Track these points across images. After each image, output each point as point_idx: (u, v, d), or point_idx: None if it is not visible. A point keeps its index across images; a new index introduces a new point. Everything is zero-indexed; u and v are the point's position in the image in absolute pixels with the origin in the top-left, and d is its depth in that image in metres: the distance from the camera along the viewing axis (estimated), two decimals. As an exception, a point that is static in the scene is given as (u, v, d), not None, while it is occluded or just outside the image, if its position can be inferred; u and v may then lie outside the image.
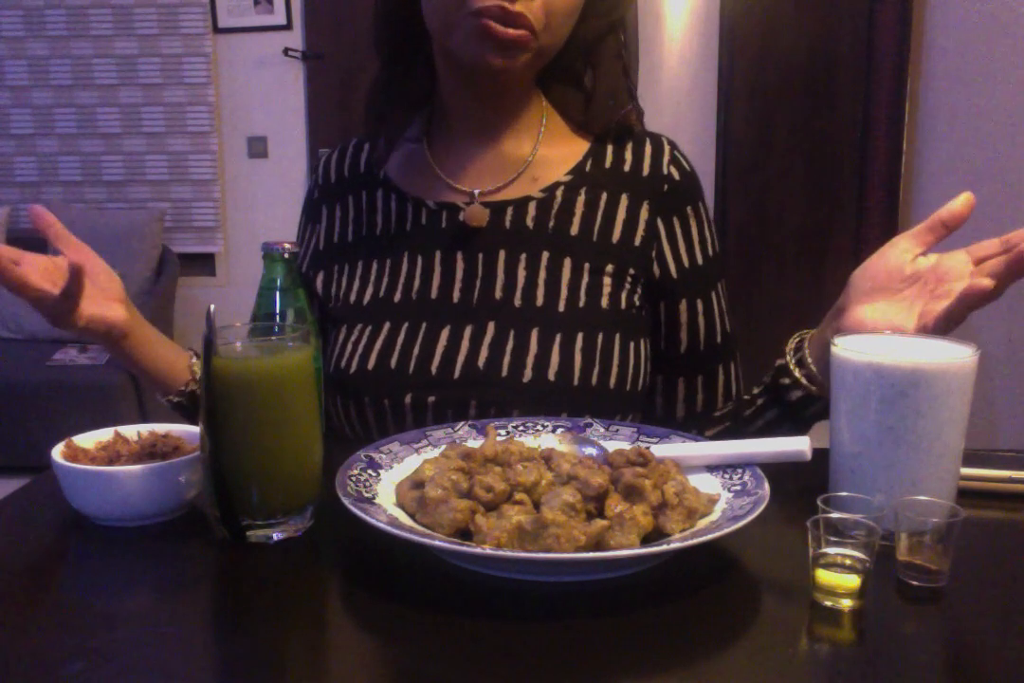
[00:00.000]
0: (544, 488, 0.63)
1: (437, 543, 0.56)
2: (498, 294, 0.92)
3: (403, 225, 0.98)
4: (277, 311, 0.81)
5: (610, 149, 0.98)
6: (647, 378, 0.95)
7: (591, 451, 0.74)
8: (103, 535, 0.68)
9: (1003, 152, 2.46)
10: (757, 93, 3.38)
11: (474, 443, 0.74)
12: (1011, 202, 2.36)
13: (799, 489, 0.67)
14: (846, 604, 0.54)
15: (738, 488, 0.66)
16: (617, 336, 0.91)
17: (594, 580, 0.58)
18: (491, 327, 0.90)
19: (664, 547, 0.56)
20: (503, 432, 0.78)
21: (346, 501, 0.61)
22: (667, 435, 0.76)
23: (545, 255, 0.93)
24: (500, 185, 0.96)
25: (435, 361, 0.90)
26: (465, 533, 0.60)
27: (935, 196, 2.92)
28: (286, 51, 3.64)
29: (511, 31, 0.83)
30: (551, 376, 0.87)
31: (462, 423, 0.79)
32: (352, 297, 0.97)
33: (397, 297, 0.94)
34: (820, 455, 0.69)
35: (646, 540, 0.60)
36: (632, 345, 0.92)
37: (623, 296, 0.93)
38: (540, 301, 0.91)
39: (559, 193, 0.95)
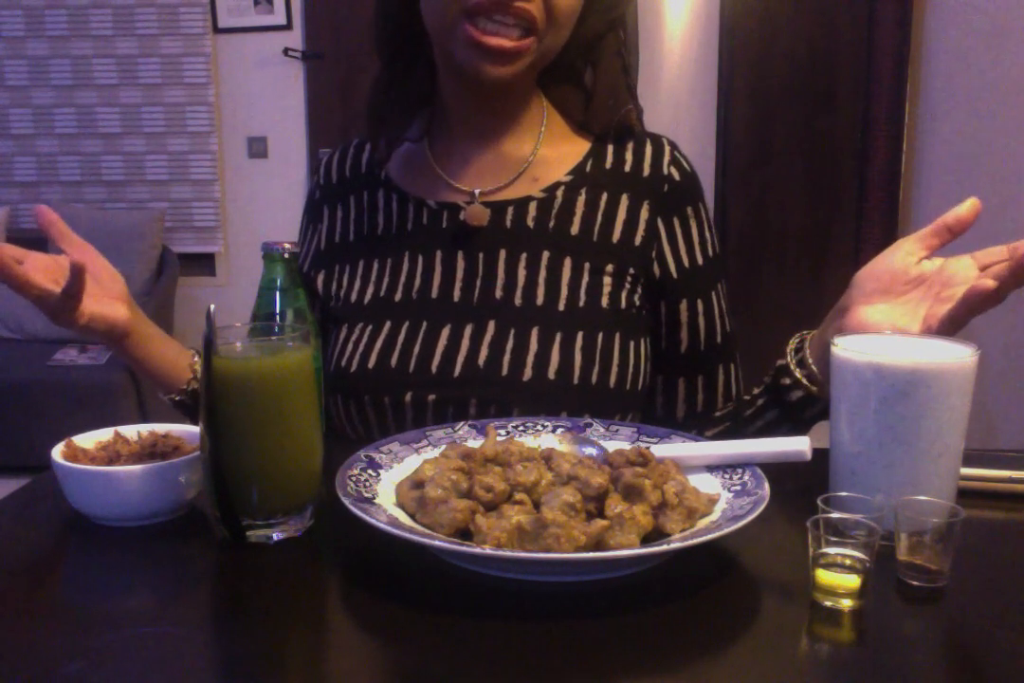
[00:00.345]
0: (544, 488, 0.63)
1: (437, 543, 0.56)
2: (498, 293, 0.92)
3: (404, 225, 0.98)
4: (277, 311, 0.80)
5: (610, 149, 0.98)
6: (647, 378, 0.95)
7: (591, 451, 0.74)
8: (103, 535, 0.68)
9: (1003, 152, 2.46)
10: (757, 93, 3.38)
11: (474, 443, 0.74)
12: (1011, 202, 2.36)
13: (799, 489, 0.67)
14: (846, 604, 0.54)
15: (738, 488, 0.66)
16: (617, 335, 0.91)
17: (594, 580, 0.58)
18: (491, 326, 0.90)
19: (664, 547, 0.56)
20: (503, 432, 0.78)
21: (346, 501, 0.61)
22: (667, 435, 0.76)
23: (545, 255, 0.93)
24: (501, 185, 0.96)
25: (435, 360, 0.90)
26: (465, 533, 0.60)
27: (935, 196, 2.92)
28: (286, 51, 3.64)
29: (502, 40, 0.83)
30: (551, 375, 0.87)
31: (462, 423, 0.79)
32: (353, 296, 0.97)
33: (398, 296, 0.95)
34: (820, 455, 0.69)
35: (646, 540, 0.60)
36: (632, 345, 0.92)
37: (623, 296, 0.93)
38: (540, 300, 0.91)
39: (560, 193, 0.95)
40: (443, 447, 0.73)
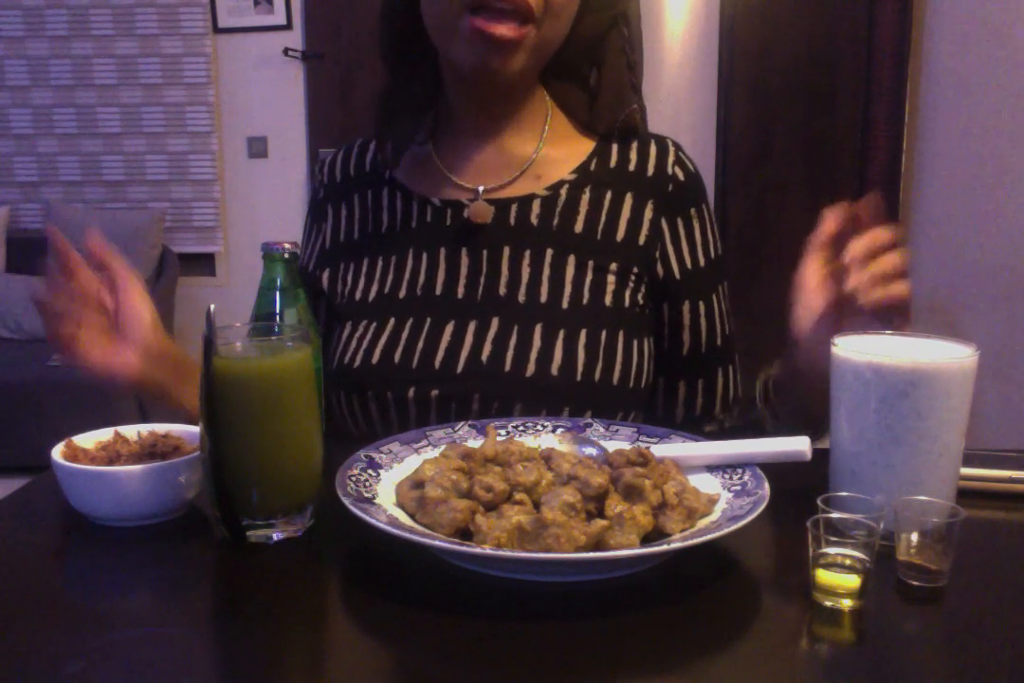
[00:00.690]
0: (544, 488, 0.63)
1: (437, 543, 0.56)
2: (502, 290, 0.92)
3: (408, 222, 0.98)
4: (277, 311, 0.80)
5: (615, 148, 0.98)
6: (650, 377, 0.95)
7: (591, 451, 0.74)
8: (103, 535, 0.68)
9: (1003, 152, 2.46)
10: (757, 93, 3.38)
11: (474, 443, 0.74)
12: (1011, 202, 2.36)
13: (799, 489, 0.67)
14: (846, 604, 0.54)
15: (738, 488, 0.66)
16: (620, 334, 0.91)
17: (594, 580, 0.58)
18: (495, 323, 0.90)
19: (664, 547, 0.56)
20: (503, 432, 0.78)
21: (346, 501, 0.61)
22: (667, 435, 0.76)
23: (549, 252, 0.93)
24: (504, 182, 0.96)
25: (438, 356, 0.90)
26: (465, 533, 0.60)
27: (935, 196, 2.92)
28: (286, 51, 3.64)
29: (506, 31, 0.83)
30: (554, 371, 0.87)
31: (462, 423, 0.79)
32: (357, 294, 0.97)
33: (402, 293, 0.95)
34: (820, 455, 0.69)
35: (646, 540, 0.60)
36: (635, 343, 0.92)
37: (627, 294, 0.93)
38: (544, 298, 0.91)
39: (563, 191, 0.96)
40: (443, 447, 0.73)
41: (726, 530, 0.57)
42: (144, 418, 3.11)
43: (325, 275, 1.01)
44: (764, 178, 3.45)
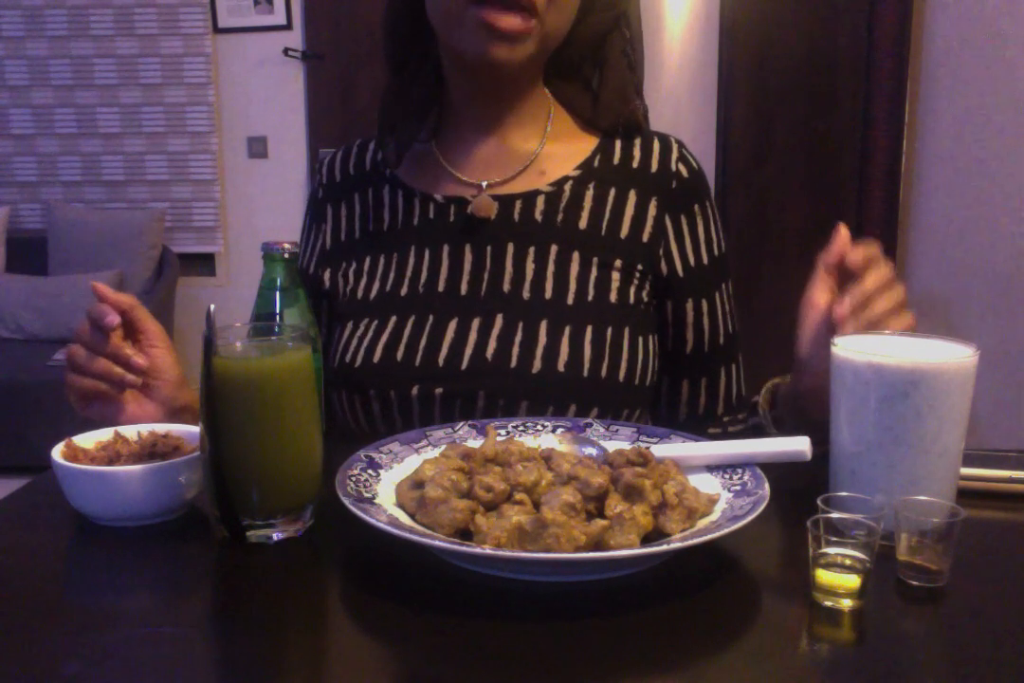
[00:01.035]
0: (544, 488, 0.63)
1: (437, 543, 0.56)
2: (506, 287, 0.92)
3: (410, 220, 0.98)
4: (277, 311, 0.81)
5: (618, 145, 0.98)
6: (655, 374, 0.95)
7: (591, 451, 0.74)
8: (103, 535, 0.68)
9: (1003, 152, 2.46)
10: (757, 93, 3.38)
11: (474, 443, 0.74)
12: (1011, 202, 2.36)
13: (799, 489, 0.67)
14: (846, 604, 0.54)
15: (738, 488, 0.66)
16: (626, 330, 0.91)
17: (594, 580, 0.58)
18: (499, 319, 0.90)
19: (664, 547, 0.56)
20: (503, 432, 0.78)
21: (346, 501, 0.61)
22: (667, 435, 0.76)
23: (554, 248, 0.93)
24: (507, 178, 0.96)
25: (442, 353, 0.89)
26: (465, 533, 0.60)
27: (935, 196, 2.91)
28: (286, 51, 3.64)
29: (512, 22, 0.83)
30: (560, 367, 0.87)
31: (462, 423, 0.79)
32: (359, 293, 0.97)
33: (404, 291, 0.94)
34: (820, 455, 0.69)
35: (646, 540, 0.60)
36: (641, 340, 0.92)
37: (631, 291, 0.93)
38: (549, 294, 0.91)
39: (567, 187, 0.96)
40: (443, 447, 0.73)
41: (726, 530, 0.57)
42: (144, 418, 3.11)
43: (326, 275, 1.01)
44: (764, 178, 3.44)
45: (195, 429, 0.73)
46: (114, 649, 0.51)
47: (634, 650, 0.51)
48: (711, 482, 0.68)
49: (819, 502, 0.58)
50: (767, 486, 0.64)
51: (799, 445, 0.68)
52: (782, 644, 0.52)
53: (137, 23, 3.70)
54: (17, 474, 2.58)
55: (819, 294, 0.79)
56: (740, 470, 0.68)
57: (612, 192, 0.96)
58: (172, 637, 0.53)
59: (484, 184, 0.96)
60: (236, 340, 0.68)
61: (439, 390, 0.88)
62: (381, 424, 0.91)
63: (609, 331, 0.90)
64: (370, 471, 0.69)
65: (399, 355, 0.90)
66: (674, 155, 0.97)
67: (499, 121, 0.97)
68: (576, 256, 0.93)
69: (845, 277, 0.77)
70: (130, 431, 0.76)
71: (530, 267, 0.93)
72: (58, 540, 0.69)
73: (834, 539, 0.55)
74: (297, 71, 3.71)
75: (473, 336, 0.90)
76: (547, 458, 0.68)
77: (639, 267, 0.94)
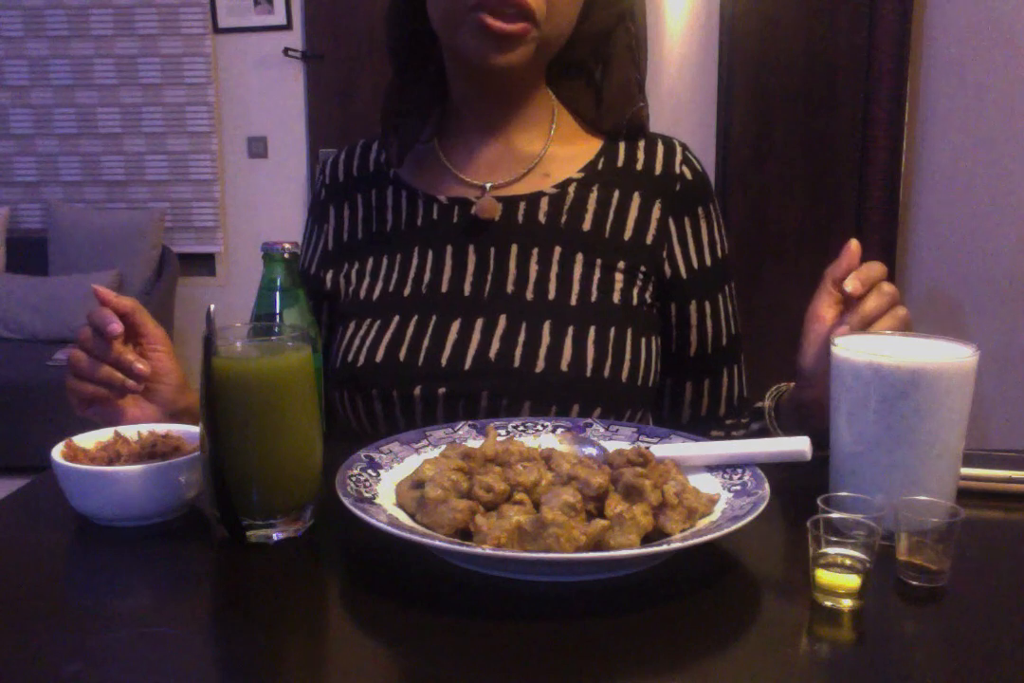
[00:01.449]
0: (544, 488, 0.63)
1: (437, 543, 0.56)
2: (510, 288, 0.92)
3: (414, 221, 0.98)
4: (277, 311, 0.80)
5: (622, 147, 0.99)
6: (657, 375, 0.95)
7: (591, 451, 0.74)
8: (103, 535, 0.68)
9: (1003, 152, 2.46)
10: (757, 93, 3.38)
11: (474, 443, 0.74)
12: (1011, 202, 2.36)
13: (799, 489, 0.67)
14: (846, 604, 0.54)
15: (738, 488, 0.66)
16: (629, 331, 0.91)
17: (594, 580, 0.58)
18: (502, 320, 0.90)
19: (664, 547, 0.56)
20: (503, 432, 0.78)
21: (346, 501, 0.61)
22: (667, 435, 0.76)
23: (557, 250, 0.93)
24: (511, 179, 0.96)
25: (445, 353, 0.89)
26: (465, 533, 0.60)
27: (935, 196, 2.91)
28: (286, 51, 3.64)
29: (508, 25, 0.83)
30: (564, 367, 0.87)
31: (462, 423, 0.79)
32: (362, 293, 0.97)
33: (407, 291, 0.94)
34: (820, 455, 0.69)
35: (646, 540, 0.60)
36: (644, 341, 0.92)
37: (635, 293, 0.93)
38: (552, 295, 0.91)
39: (571, 189, 0.96)
40: (443, 447, 0.73)
41: (726, 530, 0.57)
42: (144, 418, 3.11)
43: (328, 276, 1.00)
44: (764, 178, 3.45)
45: (195, 429, 0.73)
46: (114, 649, 0.51)
47: (634, 650, 0.51)
48: (711, 482, 0.68)
49: (819, 502, 0.58)
50: (767, 486, 0.64)
51: (799, 445, 0.69)
52: (782, 644, 0.52)
53: (137, 23, 3.70)
54: (17, 474, 2.58)
55: (824, 307, 0.79)
56: (740, 470, 0.68)
57: (616, 194, 0.96)
58: (172, 637, 0.53)
59: (488, 185, 0.96)
60: (236, 340, 0.68)
61: (442, 390, 0.88)
62: (383, 424, 0.91)
63: (612, 332, 0.90)
64: (370, 471, 0.69)
65: (402, 355, 0.90)
66: (678, 158, 0.97)
67: (503, 123, 0.97)
68: (580, 258, 0.93)
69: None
70: (130, 431, 0.76)
71: (533, 268, 0.93)
72: (58, 540, 0.69)
73: (834, 539, 0.55)
74: (297, 71, 3.71)
75: (476, 336, 0.90)
76: (547, 458, 0.68)
77: (642, 269, 0.94)
